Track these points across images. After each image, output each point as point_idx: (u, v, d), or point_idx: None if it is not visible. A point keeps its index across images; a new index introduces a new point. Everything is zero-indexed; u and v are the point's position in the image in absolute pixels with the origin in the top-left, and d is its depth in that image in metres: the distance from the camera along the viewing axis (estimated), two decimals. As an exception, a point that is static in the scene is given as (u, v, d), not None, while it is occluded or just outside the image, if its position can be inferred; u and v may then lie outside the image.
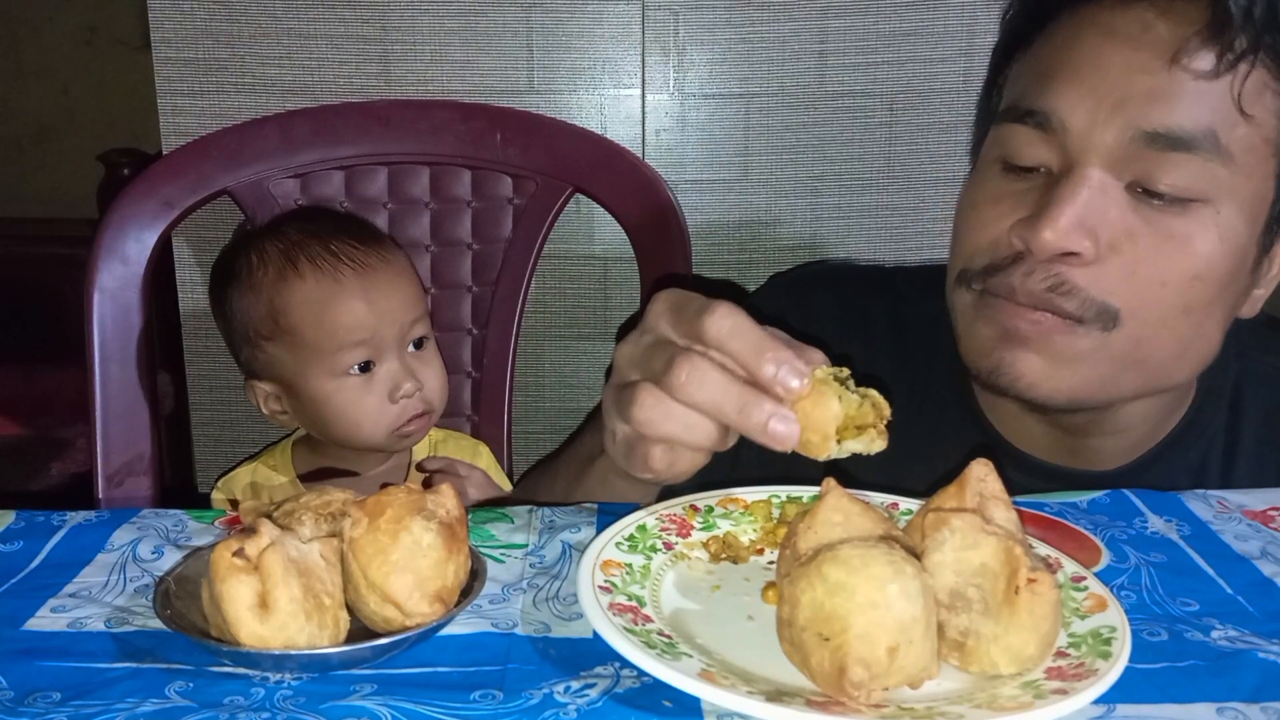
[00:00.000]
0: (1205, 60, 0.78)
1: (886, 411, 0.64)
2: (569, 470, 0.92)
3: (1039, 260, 0.81)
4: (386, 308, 1.15)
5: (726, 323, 0.66)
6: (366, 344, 1.14)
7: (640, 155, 1.43)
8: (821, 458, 0.65)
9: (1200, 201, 0.80)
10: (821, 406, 0.64)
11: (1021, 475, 0.92)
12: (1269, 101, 0.80)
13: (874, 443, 0.64)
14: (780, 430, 0.64)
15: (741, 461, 0.97)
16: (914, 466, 0.93)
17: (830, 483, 0.60)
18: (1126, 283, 0.80)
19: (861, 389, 0.65)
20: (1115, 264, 0.80)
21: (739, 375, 0.65)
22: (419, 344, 1.20)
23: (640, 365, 0.70)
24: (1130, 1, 0.81)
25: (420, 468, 1.24)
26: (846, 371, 0.66)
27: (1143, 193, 0.80)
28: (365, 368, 1.15)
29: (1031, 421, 0.93)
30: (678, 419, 0.67)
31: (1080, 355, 0.82)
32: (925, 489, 0.66)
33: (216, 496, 1.22)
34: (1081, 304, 0.81)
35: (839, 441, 0.64)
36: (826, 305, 1.04)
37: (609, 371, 0.76)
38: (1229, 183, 0.80)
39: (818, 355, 0.67)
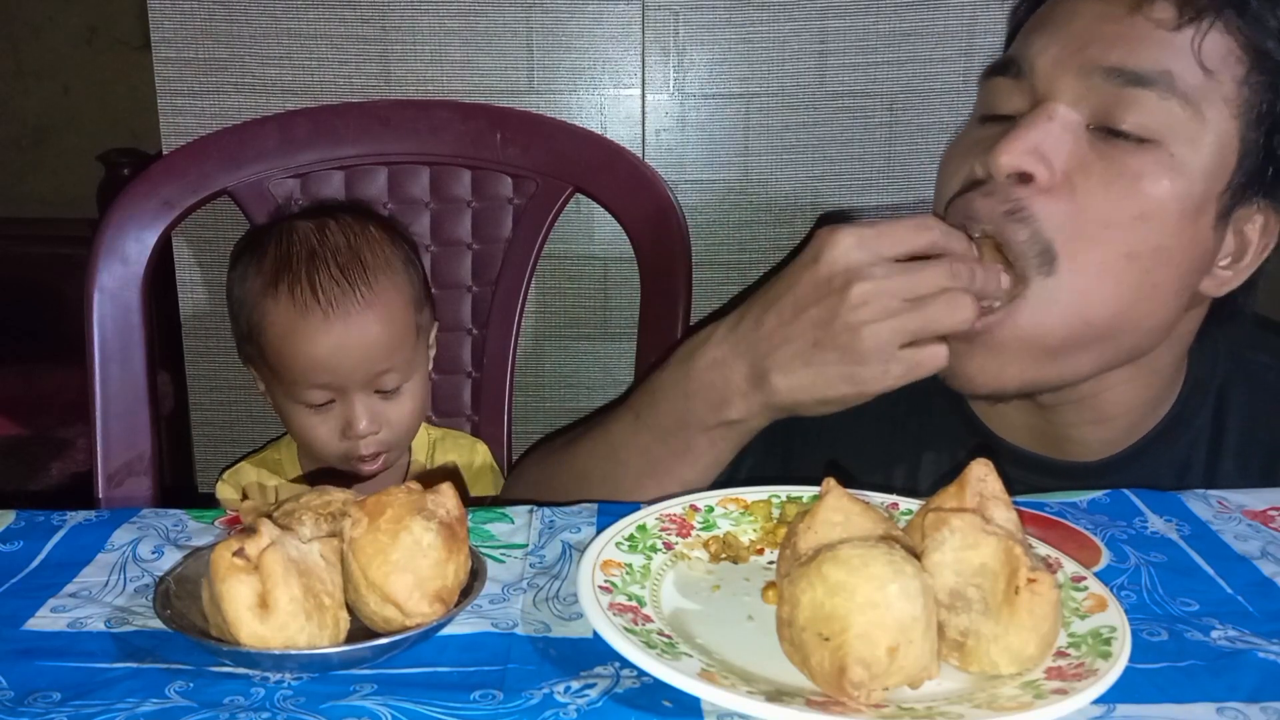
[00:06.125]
0: (1165, 11, 0.83)
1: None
2: (625, 445, 0.93)
3: (998, 184, 0.83)
4: (350, 362, 1.11)
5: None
6: (326, 387, 1.12)
7: (640, 155, 1.43)
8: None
9: (1154, 142, 0.82)
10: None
11: (1008, 467, 0.92)
12: (1233, 67, 0.83)
13: None
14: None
15: (743, 465, 0.98)
16: (904, 458, 0.93)
17: (830, 483, 0.60)
18: (1073, 221, 0.82)
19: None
20: (1066, 197, 0.82)
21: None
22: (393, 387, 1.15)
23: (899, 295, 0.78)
24: None
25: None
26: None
27: (1101, 131, 0.83)
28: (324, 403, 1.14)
29: (1015, 412, 0.93)
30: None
31: (1016, 339, 0.83)
32: (919, 487, 0.66)
33: (222, 489, 1.22)
34: (1031, 236, 0.82)
35: None
36: None
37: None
38: (1185, 126, 0.82)
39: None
